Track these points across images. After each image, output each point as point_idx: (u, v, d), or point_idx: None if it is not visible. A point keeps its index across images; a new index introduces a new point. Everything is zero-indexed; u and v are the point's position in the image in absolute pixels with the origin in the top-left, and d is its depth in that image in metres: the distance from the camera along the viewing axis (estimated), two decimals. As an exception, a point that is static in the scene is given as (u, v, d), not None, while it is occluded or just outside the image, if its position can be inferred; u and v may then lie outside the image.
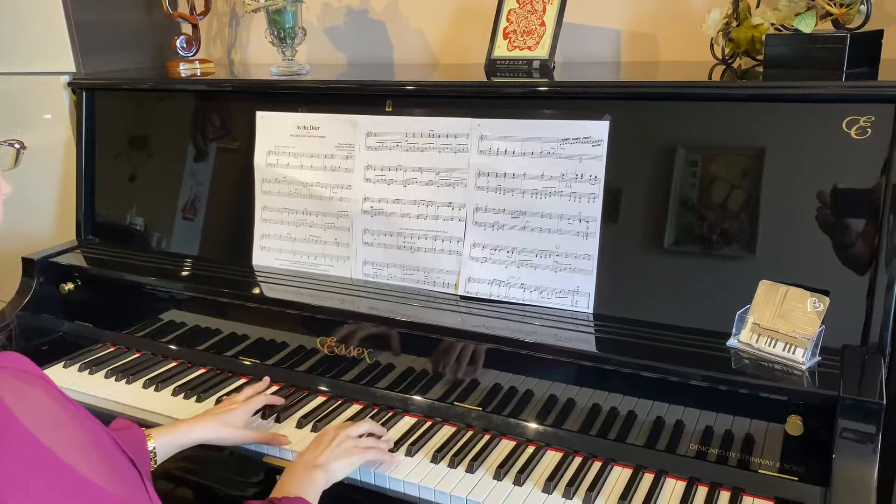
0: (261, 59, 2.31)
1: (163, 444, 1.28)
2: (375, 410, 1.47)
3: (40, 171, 2.15)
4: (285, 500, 1.08)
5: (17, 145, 0.86)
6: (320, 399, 1.52)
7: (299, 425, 1.43)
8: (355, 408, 1.49)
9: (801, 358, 1.17)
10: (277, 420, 1.45)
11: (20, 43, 2.08)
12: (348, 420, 1.43)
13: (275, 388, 1.56)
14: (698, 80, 1.44)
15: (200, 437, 1.32)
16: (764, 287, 1.24)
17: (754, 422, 1.19)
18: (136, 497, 0.81)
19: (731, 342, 1.25)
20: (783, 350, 1.19)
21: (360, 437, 1.30)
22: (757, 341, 1.22)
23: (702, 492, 1.20)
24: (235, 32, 2.34)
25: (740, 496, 1.18)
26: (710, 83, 1.41)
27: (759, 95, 1.29)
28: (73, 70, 2.06)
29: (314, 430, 1.41)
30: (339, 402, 1.50)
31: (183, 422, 1.35)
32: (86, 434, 0.77)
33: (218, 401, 1.52)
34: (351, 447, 1.25)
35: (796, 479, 1.16)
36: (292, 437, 1.38)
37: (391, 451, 1.32)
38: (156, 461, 1.27)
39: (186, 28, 2.14)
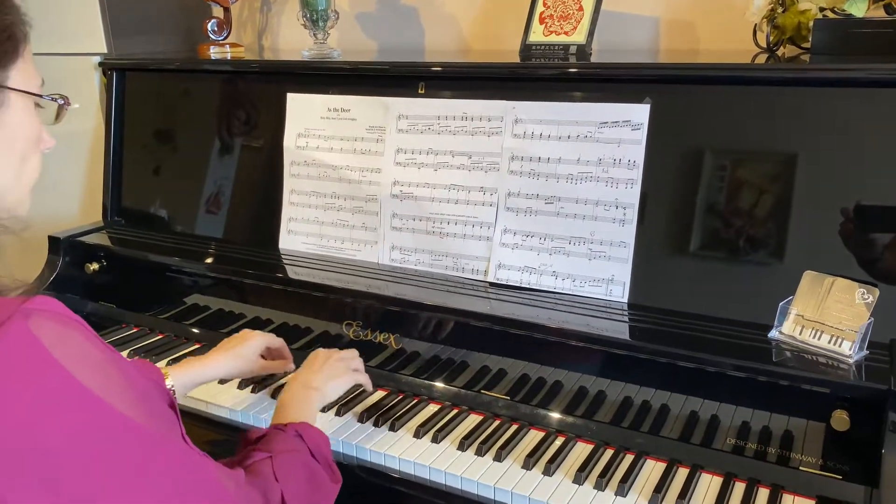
0: (292, 44, 2.29)
1: (181, 382, 1.28)
2: (400, 397, 1.43)
3: (68, 153, 2.14)
4: (291, 426, 1.08)
5: (60, 100, 0.86)
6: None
7: (323, 410, 1.40)
8: (379, 394, 1.45)
9: (849, 351, 1.12)
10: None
11: (52, 23, 2.07)
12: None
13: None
14: (748, 62, 1.39)
15: (217, 373, 1.35)
16: (808, 278, 1.20)
17: (796, 417, 1.15)
18: (172, 435, 0.81)
19: (773, 334, 1.20)
20: (829, 342, 1.15)
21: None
22: (801, 333, 1.18)
23: (739, 488, 1.15)
24: (266, 18, 2.32)
25: (780, 494, 1.13)
26: (763, 66, 1.36)
27: (826, 79, 1.23)
28: (105, 51, 2.05)
29: (338, 414, 1.38)
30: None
31: (197, 359, 1.36)
32: (121, 373, 0.76)
33: (241, 384, 1.49)
34: (342, 369, 1.29)
35: (840, 477, 1.11)
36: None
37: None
38: (174, 398, 1.26)
39: (218, 11, 2.13)
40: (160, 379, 1.24)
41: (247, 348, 1.38)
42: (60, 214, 2.17)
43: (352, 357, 1.35)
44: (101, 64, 2.03)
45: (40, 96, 0.83)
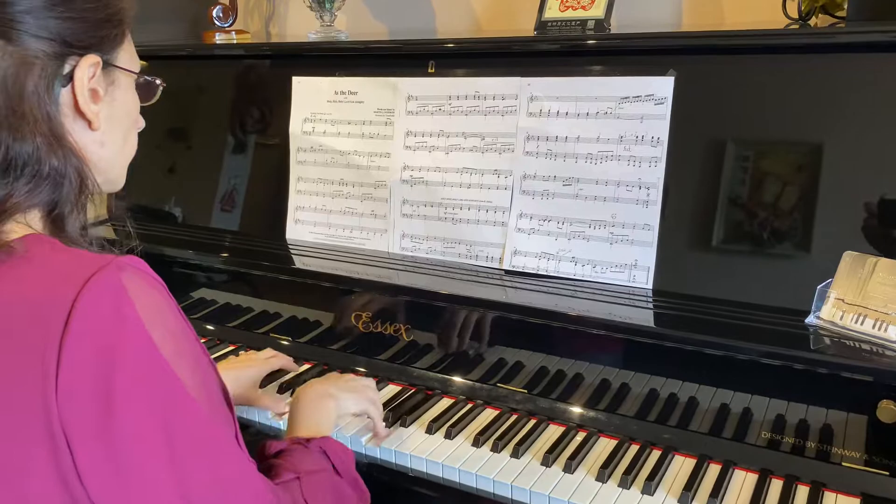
0: (299, 31, 2.22)
1: None
2: (412, 391, 1.36)
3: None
4: (314, 442, 1.01)
5: (158, 81, 0.93)
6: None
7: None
8: (392, 388, 1.39)
9: (895, 336, 1.04)
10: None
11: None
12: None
13: (307, 366, 1.47)
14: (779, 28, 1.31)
15: None
16: (849, 259, 1.11)
17: (836, 408, 1.06)
18: (227, 430, 0.79)
19: (811, 319, 1.12)
20: (872, 328, 1.06)
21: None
22: (841, 318, 1.09)
23: (776, 486, 1.07)
24: (273, 4, 2.26)
25: (821, 491, 1.05)
26: (797, 31, 1.28)
27: (867, 43, 1.14)
28: (108, 40, 1.99)
29: (347, 409, 1.31)
30: (374, 381, 1.40)
31: None
32: (195, 349, 0.78)
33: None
34: (360, 387, 1.21)
35: (887, 473, 1.03)
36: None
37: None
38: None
39: (223, -2, 2.08)
40: None
41: (247, 371, 1.31)
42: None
43: (369, 385, 1.26)
44: (103, 52, 1.97)
45: (145, 76, 0.90)
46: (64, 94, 0.79)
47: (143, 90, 0.91)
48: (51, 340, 0.67)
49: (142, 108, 0.93)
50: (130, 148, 0.91)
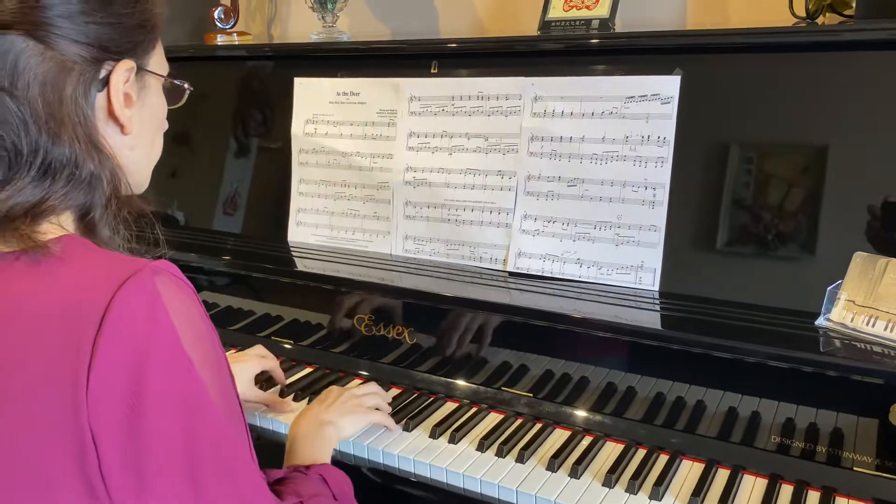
0: (301, 33, 2.21)
1: None
2: (416, 395, 1.35)
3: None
4: (314, 469, 1.02)
5: (186, 85, 0.93)
6: (356, 382, 1.41)
7: (333, 408, 1.31)
8: (394, 392, 1.37)
9: (907, 338, 1.02)
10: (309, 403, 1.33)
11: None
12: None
13: (308, 370, 1.46)
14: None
15: None
16: (859, 259, 1.09)
17: (847, 412, 1.04)
18: (243, 443, 0.79)
19: (821, 321, 1.10)
20: (884, 329, 1.04)
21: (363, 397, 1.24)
22: (852, 320, 1.07)
23: (786, 491, 1.05)
24: (276, 6, 2.25)
25: (832, 497, 1.03)
26: (804, 28, 1.26)
27: (877, 41, 1.13)
28: (109, 42, 1.98)
29: (349, 413, 1.29)
30: (376, 385, 1.38)
31: None
32: (220, 357, 0.78)
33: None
34: (356, 406, 1.20)
35: (900, 478, 1.01)
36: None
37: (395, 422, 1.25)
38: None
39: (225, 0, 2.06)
40: None
41: (241, 367, 1.30)
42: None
43: (369, 392, 1.25)
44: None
45: (173, 80, 0.90)
46: (99, 98, 0.79)
47: (171, 93, 0.92)
48: (84, 341, 0.67)
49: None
50: (157, 150, 0.92)
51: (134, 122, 0.83)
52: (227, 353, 1.33)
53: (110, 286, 0.69)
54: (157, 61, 0.87)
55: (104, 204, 0.79)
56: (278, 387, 1.38)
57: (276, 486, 0.98)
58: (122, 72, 0.80)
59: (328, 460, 1.09)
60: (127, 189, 0.84)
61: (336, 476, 1.03)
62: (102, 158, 0.78)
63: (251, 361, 1.33)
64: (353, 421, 1.18)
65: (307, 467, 1.02)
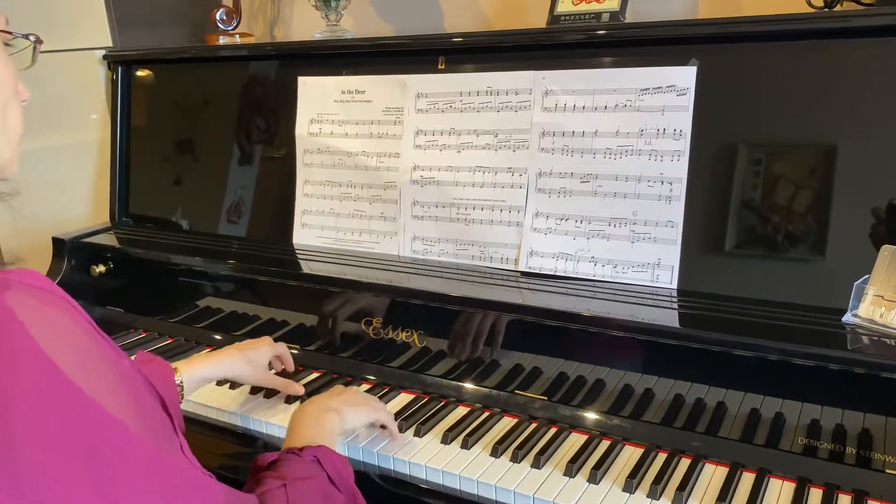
0: (304, 33, 2.18)
1: (189, 379, 1.21)
2: (426, 399, 1.31)
3: (74, 155, 2.05)
4: (307, 450, 0.96)
5: (31, 37, 0.78)
6: (365, 387, 1.37)
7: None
8: (405, 397, 1.33)
9: (940, 334, 0.98)
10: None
11: (54, 18, 1.99)
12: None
13: (315, 374, 1.42)
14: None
15: (225, 373, 1.27)
16: (887, 253, 1.05)
17: (875, 412, 1.00)
18: (170, 447, 0.71)
19: (848, 317, 1.06)
20: (915, 325, 1.00)
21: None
22: (881, 316, 1.03)
23: (815, 495, 1.01)
24: (278, 7, 2.22)
25: (864, 500, 0.98)
26: (824, 14, 1.22)
27: None
28: (110, 45, 1.96)
29: (358, 419, 1.26)
30: (386, 389, 1.35)
31: (208, 355, 1.27)
32: (113, 367, 0.67)
33: (252, 389, 1.37)
34: (364, 400, 1.18)
35: (935, 480, 0.96)
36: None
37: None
38: (183, 395, 1.19)
39: (227, 1, 2.03)
40: (169, 374, 1.17)
41: (258, 353, 1.31)
42: (69, 217, 2.07)
43: (374, 398, 1.23)
44: (105, 57, 1.93)
45: (9, 33, 0.75)
46: None
47: (22, 56, 0.78)
48: None
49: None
50: (15, 125, 0.76)
51: None
52: (242, 343, 1.32)
53: None
54: None
55: None
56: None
57: (265, 472, 0.92)
58: None
59: (331, 446, 1.03)
60: None
61: (332, 458, 0.97)
62: None
63: (265, 347, 1.32)
64: (357, 413, 1.14)
65: (301, 449, 0.97)
